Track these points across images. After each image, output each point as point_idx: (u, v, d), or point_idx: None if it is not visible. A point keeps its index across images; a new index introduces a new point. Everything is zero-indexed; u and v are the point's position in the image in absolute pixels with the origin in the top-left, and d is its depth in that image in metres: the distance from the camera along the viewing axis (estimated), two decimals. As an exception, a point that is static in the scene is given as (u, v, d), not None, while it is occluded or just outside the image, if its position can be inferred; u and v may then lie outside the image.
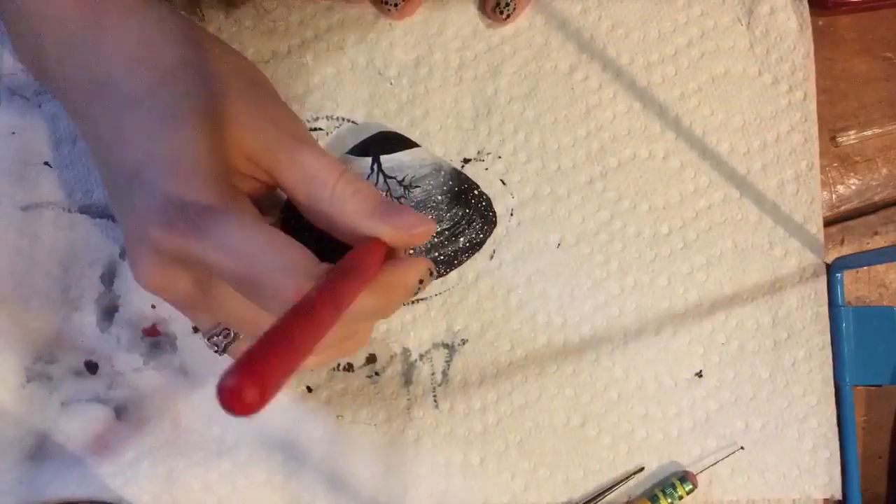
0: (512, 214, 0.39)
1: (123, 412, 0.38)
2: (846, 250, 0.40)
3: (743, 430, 0.38)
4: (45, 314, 0.38)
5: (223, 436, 0.37)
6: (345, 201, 0.29)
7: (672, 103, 0.40)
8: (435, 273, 0.36)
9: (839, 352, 0.38)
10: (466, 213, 0.39)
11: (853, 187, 0.41)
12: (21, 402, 0.37)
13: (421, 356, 0.38)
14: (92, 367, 0.38)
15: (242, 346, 0.31)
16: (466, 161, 0.39)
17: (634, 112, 0.40)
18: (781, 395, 0.38)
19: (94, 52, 0.30)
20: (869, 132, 0.41)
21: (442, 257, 0.38)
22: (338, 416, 0.38)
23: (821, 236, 0.39)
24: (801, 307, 0.39)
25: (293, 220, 0.38)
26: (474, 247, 0.39)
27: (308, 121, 0.39)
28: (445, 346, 0.38)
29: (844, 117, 0.41)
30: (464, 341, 0.38)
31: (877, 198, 0.41)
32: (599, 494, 0.37)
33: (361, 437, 0.38)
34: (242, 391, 0.18)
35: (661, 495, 0.37)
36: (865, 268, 0.40)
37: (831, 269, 0.39)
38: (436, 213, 0.38)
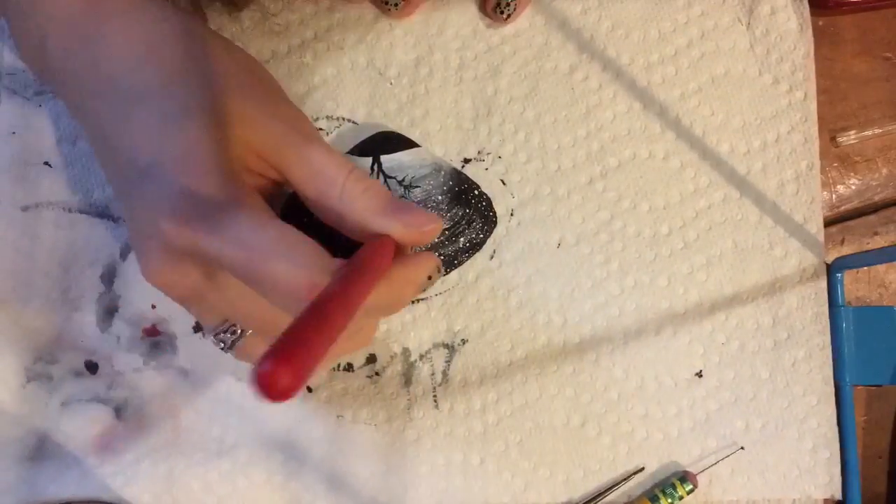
0: (512, 214, 0.39)
1: (123, 412, 0.38)
2: (846, 250, 0.40)
3: (743, 430, 0.38)
4: (45, 314, 0.38)
5: (223, 436, 0.37)
6: (355, 199, 0.29)
7: (672, 103, 0.40)
8: (443, 270, 0.37)
9: (839, 352, 0.38)
10: (466, 213, 0.39)
11: (853, 187, 0.41)
12: (21, 402, 0.37)
13: (421, 356, 0.38)
14: (92, 367, 0.38)
15: (249, 342, 0.31)
16: (466, 161, 0.39)
17: (634, 112, 0.40)
18: (781, 395, 0.38)
19: (99, 50, 0.30)
20: (869, 132, 0.41)
21: (442, 257, 0.38)
22: (338, 416, 0.38)
23: (821, 236, 0.39)
24: (801, 307, 0.39)
25: (294, 217, 0.38)
26: (474, 247, 0.39)
27: (308, 121, 0.39)
28: (445, 346, 0.38)
29: (844, 117, 0.41)
30: (464, 341, 0.38)
31: (877, 198, 0.41)
32: (599, 494, 0.37)
33: (361, 437, 0.38)
34: (278, 376, 0.18)
35: (661, 495, 0.37)
36: (865, 268, 0.40)
37: (831, 269, 0.39)
38: (436, 213, 0.38)
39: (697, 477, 0.37)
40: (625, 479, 0.38)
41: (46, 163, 0.39)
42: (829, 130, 0.41)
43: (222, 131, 0.29)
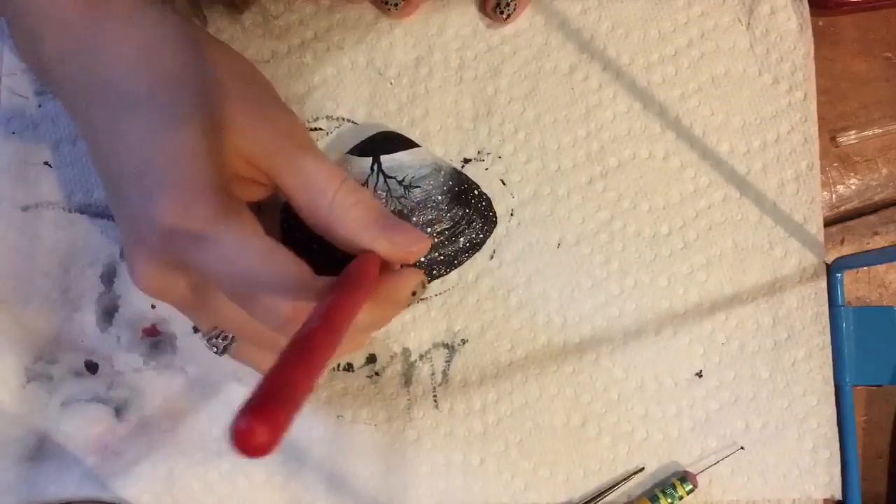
0: (512, 214, 0.39)
1: (123, 412, 0.38)
2: (846, 250, 0.40)
3: (743, 430, 0.38)
4: (45, 314, 0.38)
5: (223, 436, 0.37)
6: (344, 211, 0.29)
7: (672, 103, 0.40)
8: (427, 284, 0.36)
9: (839, 352, 0.38)
10: (466, 213, 0.39)
11: (853, 187, 0.41)
12: (21, 402, 0.37)
13: (421, 356, 0.38)
14: (92, 367, 0.38)
15: (240, 347, 0.31)
16: (466, 161, 0.39)
17: (634, 112, 0.40)
18: (781, 395, 0.38)
19: (94, 54, 0.30)
20: (869, 132, 0.41)
21: (442, 257, 0.38)
22: (338, 416, 0.38)
23: (821, 236, 0.39)
24: (801, 307, 0.39)
25: (293, 221, 0.38)
26: (474, 247, 0.39)
27: (308, 121, 0.39)
28: (445, 346, 0.38)
29: (844, 117, 0.41)
30: (464, 341, 0.38)
31: (877, 198, 0.41)
32: (599, 494, 0.37)
33: (361, 437, 0.38)
34: (255, 434, 0.18)
35: (661, 495, 0.37)
36: (865, 268, 0.40)
37: (831, 269, 0.39)
38: (436, 213, 0.38)
39: (697, 477, 0.37)
40: (625, 479, 0.38)
41: (46, 163, 0.39)
42: (829, 130, 0.41)
43: (214, 140, 0.29)
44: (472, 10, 0.40)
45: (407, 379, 0.38)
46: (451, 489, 0.37)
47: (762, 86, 0.40)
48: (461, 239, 0.39)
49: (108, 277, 0.38)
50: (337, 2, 0.40)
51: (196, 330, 0.38)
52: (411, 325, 0.38)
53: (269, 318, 0.26)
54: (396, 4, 0.38)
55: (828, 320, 0.39)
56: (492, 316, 0.39)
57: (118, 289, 0.38)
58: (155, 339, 0.38)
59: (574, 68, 0.40)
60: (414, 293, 0.30)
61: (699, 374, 0.38)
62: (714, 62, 0.40)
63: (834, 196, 0.41)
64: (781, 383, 0.38)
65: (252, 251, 0.26)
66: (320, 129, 0.39)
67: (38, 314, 0.38)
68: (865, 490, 0.38)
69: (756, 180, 0.39)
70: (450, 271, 0.39)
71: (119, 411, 0.38)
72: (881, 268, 0.40)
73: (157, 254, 0.27)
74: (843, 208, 0.41)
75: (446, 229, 0.38)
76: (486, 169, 0.39)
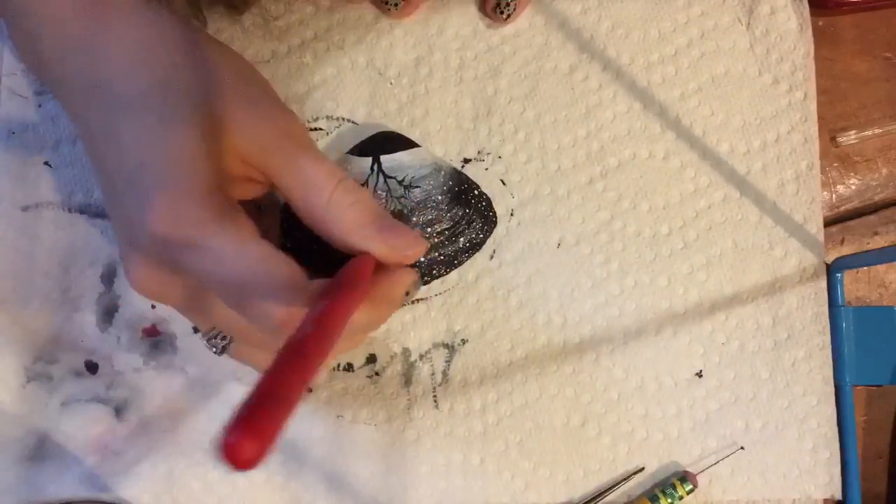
0: (512, 214, 0.39)
1: (123, 412, 0.38)
2: (846, 250, 0.40)
3: (743, 430, 0.38)
4: (45, 314, 0.38)
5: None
6: (341, 211, 0.29)
7: (672, 103, 0.40)
8: (420, 284, 0.36)
9: (839, 352, 0.38)
10: (466, 213, 0.39)
11: (853, 187, 0.41)
12: (21, 402, 0.37)
13: (421, 356, 0.38)
14: (92, 367, 0.38)
15: (238, 348, 0.31)
16: (466, 161, 0.39)
17: (634, 112, 0.40)
18: (781, 395, 0.38)
19: (91, 54, 0.29)
20: (869, 132, 0.41)
21: (442, 257, 0.38)
22: (338, 416, 0.38)
23: (821, 236, 0.39)
24: (801, 307, 0.39)
25: (293, 220, 0.38)
26: (474, 247, 0.39)
27: (308, 121, 0.39)
28: (445, 346, 0.38)
29: (844, 117, 0.41)
30: (464, 341, 0.38)
31: (877, 198, 0.41)
32: (599, 494, 0.37)
33: (361, 437, 0.38)
34: (243, 448, 0.18)
35: (661, 495, 0.37)
36: (865, 268, 0.40)
37: (831, 269, 0.39)
38: (436, 213, 0.38)
39: (697, 477, 0.37)
40: (625, 479, 0.38)
41: (46, 163, 0.39)
42: (829, 130, 0.41)
43: (210, 141, 0.29)
44: (472, 10, 0.40)
45: (407, 379, 0.38)
46: (451, 489, 0.37)
47: (762, 86, 0.40)
48: (461, 239, 0.39)
49: (108, 277, 0.38)
50: (337, 2, 0.40)
51: (196, 330, 0.38)
52: (411, 325, 0.38)
53: (263, 322, 0.26)
54: (396, 4, 0.38)
55: (828, 320, 0.39)
56: (492, 316, 0.39)
57: (118, 289, 0.38)
58: (155, 339, 0.38)
59: (574, 68, 0.40)
60: (408, 293, 0.30)
61: (699, 374, 0.38)
62: (714, 62, 0.40)
63: (834, 196, 0.41)
64: (781, 383, 0.38)
65: (246, 255, 0.26)
66: (320, 129, 0.39)
67: (38, 314, 0.38)
68: (865, 490, 0.38)
69: (756, 180, 0.39)
70: (450, 271, 0.39)
71: (119, 411, 0.38)
72: (881, 268, 0.40)
73: (151, 256, 0.27)
74: (843, 208, 0.41)
75: (446, 229, 0.38)
76: (486, 169, 0.39)
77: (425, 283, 0.38)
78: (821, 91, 0.40)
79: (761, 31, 0.40)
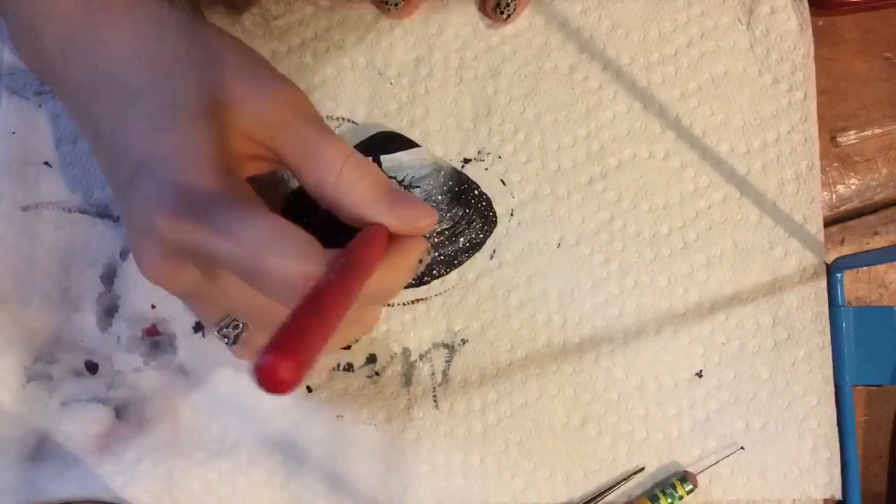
0: (512, 214, 0.39)
1: (123, 412, 0.38)
2: (846, 250, 0.40)
3: (743, 430, 0.38)
4: (45, 314, 0.38)
5: (223, 436, 0.37)
6: (351, 186, 0.29)
7: (672, 103, 0.40)
8: (432, 252, 0.36)
9: (839, 352, 0.38)
10: (466, 213, 0.39)
11: (853, 187, 0.41)
12: (21, 402, 0.37)
13: (421, 356, 0.38)
14: (92, 367, 0.38)
15: (251, 336, 0.31)
16: (466, 161, 0.39)
17: (634, 112, 0.40)
18: (781, 395, 0.38)
19: (93, 49, 0.30)
20: (869, 132, 0.41)
21: (442, 257, 0.38)
22: (338, 416, 0.38)
23: (821, 236, 0.39)
24: (801, 307, 0.39)
25: (295, 213, 0.38)
26: (474, 247, 0.39)
27: (308, 121, 0.39)
28: (445, 346, 0.38)
29: (844, 117, 0.41)
30: (464, 341, 0.38)
31: (877, 198, 0.41)
32: (599, 494, 0.37)
33: (361, 437, 0.38)
34: (278, 368, 0.18)
35: (661, 495, 0.37)
36: (865, 268, 0.40)
37: (831, 269, 0.39)
38: (435, 213, 0.38)
39: (697, 477, 0.37)
40: (625, 479, 0.38)
41: (46, 163, 0.39)
42: (829, 130, 0.41)
43: (215, 124, 0.29)
44: (472, 10, 0.40)
45: (407, 379, 0.38)
46: (451, 489, 0.37)
47: (762, 86, 0.40)
48: (461, 239, 0.39)
49: (108, 277, 0.38)
50: (337, 2, 0.40)
51: (197, 329, 0.38)
52: (411, 325, 0.38)
53: (280, 291, 0.26)
54: (396, 4, 0.38)
55: (828, 320, 0.39)
56: (492, 316, 0.39)
57: (118, 289, 0.38)
58: (155, 339, 0.38)
59: (574, 68, 0.40)
60: (420, 260, 0.30)
61: (699, 374, 0.38)
62: (714, 62, 0.40)
63: (834, 196, 0.41)
64: (781, 383, 0.38)
65: (260, 226, 0.26)
66: (320, 129, 0.39)
67: (38, 314, 0.38)
68: (865, 490, 0.38)
69: (756, 180, 0.39)
70: (450, 271, 0.39)
71: (119, 411, 0.38)
72: (881, 268, 0.40)
73: (164, 241, 0.27)
74: (843, 208, 0.41)
75: (446, 229, 0.38)
76: (486, 169, 0.39)
77: (425, 282, 0.38)
78: (821, 91, 0.40)
79: (761, 31, 0.40)
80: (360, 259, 0.26)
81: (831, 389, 0.38)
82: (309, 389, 0.38)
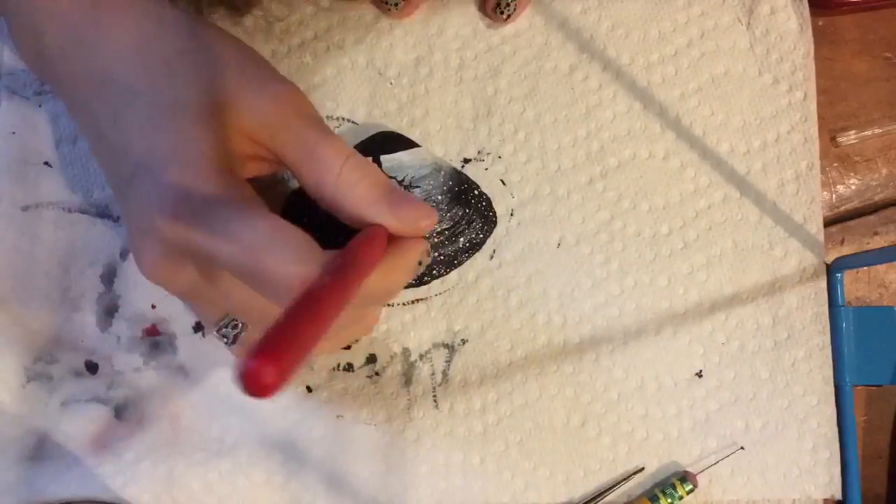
0: (512, 214, 0.39)
1: (123, 412, 0.38)
2: (846, 250, 0.40)
3: (743, 430, 0.38)
4: (45, 314, 0.38)
5: (223, 436, 0.37)
6: (350, 187, 0.29)
7: (672, 103, 0.40)
8: (432, 253, 0.36)
9: (839, 352, 0.38)
10: (466, 213, 0.39)
11: (853, 187, 0.41)
12: (21, 402, 0.37)
13: (421, 356, 0.38)
14: (92, 367, 0.38)
15: (251, 336, 0.31)
16: (466, 161, 0.39)
17: (634, 112, 0.40)
18: (781, 395, 0.38)
19: (94, 47, 0.30)
20: (869, 132, 0.41)
21: (442, 257, 0.38)
22: (338, 416, 0.38)
23: (821, 236, 0.39)
24: (801, 307, 0.39)
25: (294, 215, 0.38)
26: (474, 247, 0.39)
27: (308, 121, 0.39)
28: (445, 346, 0.38)
29: (844, 117, 0.41)
30: (464, 341, 0.38)
31: (877, 198, 0.41)
32: (599, 494, 0.37)
33: (361, 437, 0.38)
34: (262, 373, 0.18)
35: (661, 495, 0.37)
36: (865, 268, 0.40)
37: (831, 269, 0.39)
38: (435, 213, 0.38)
39: (697, 477, 0.37)
40: (625, 479, 0.38)
41: (46, 163, 0.39)
42: (829, 130, 0.41)
43: (215, 124, 0.29)
44: (472, 10, 0.40)
45: (407, 379, 0.38)
46: (451, 489, 0.37)
47: (762, 86, 0.40)
48: (461, 239, 0.39)
49: (108, 277, 0.38)
50: (337, 2, 0.40)
51: (197, 329, 0.38)
52: (411, 325, 0.38)
53: (278, 292, 0.26)
54: (396, 4, 0.38)
55: (828, 320, 0.39)
56: (492, 316, 0.39)
57: (118, 289, 0.38)
58: (155, 339, 0.38)
59: (574, 68, 0.40)
60: (420, 262, 0.30)
61: (699, 374, 0.38)
62: (714, 62, 0.40)
63: (834, 196, 0.41)
64: (781, 383, 0.38)
65: (258, 227, 0.26)
66: (320, 129, 0.39)
67: (38, 314, 0.38)
68: (865, 490, 0.38)
69: (756, 180, 0.39)
70: (450, 271, 0.39)
71: (119, 411, 0.38)
72: (881, 268, 0.40)
73: (163, 240, 0.27)
74: (843, 208, 0.41)
75: (446, 229, 0.38)
76: (486, 169, 0.39)
77: (425, 283, 0.38)
78: (821, 91, 0.40)
79: (761, 31, 0.40)
80: (358, 260, 0.26)
81: (831, 389, 0.38)
82: (309, 389, 0.38)
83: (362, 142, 0.39)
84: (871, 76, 0.41)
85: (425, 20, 0.40)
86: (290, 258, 0.25)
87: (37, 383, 0.38)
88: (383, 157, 0.38)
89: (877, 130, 0.41)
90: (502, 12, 0.39)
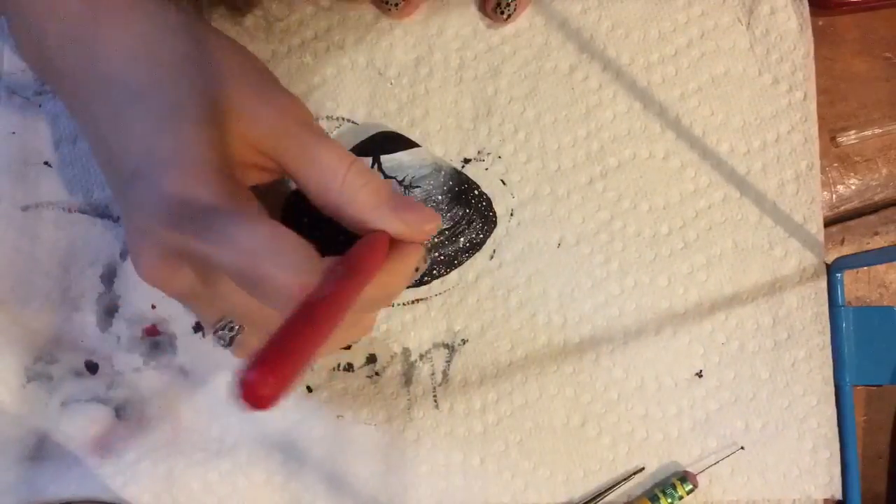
0: (512, 214, 0.39)
1: (123, 412, 0.38)
2: (846, 250, 0.40)
3: (743, 430, 0.38)
4: (45, 314, 0.38)
5: (223, 436, 0.37)
6: (355, 193, 0.29)
7: (672, 103, 0.40)
8: (429, 258, 0.36)
9: (839, 352, 0.38)
10: (466, 213, 0.39)
11: (853, 187, 0.41)
12: (21, 402, 0.37)
13: (421, 356, 0.38)
14: (92, 367, 0.38)
15: (248, 338, 0.31)
16: (466, 161, 0.39)
17: (634, 112, 0.40)
18: (781, 395, 0.38)
19: (95, 48, 0.30)
20: (869, 132, 0.41)
21: (442, 257, 0.38)
22: (338, 416, 0.38)
23: (821, 236, 0.39)
24: (801, 307, 0.39)
25: (294, 216, 0.38)
26: (474, 247, 0.39)
27: (308, 121, 0.39)
28: (445, 346, 0.38)
29: (844, 117, 0.41)
30: (464, 341, 0.38)
31: (877, 198, 0.41)
32: (599, 494, 0.37)
33: (361, 437, 0.38)
34: (259, 386, 0.18)
35: (661, 495, 0.37)
36: (865, 268, 0.40)
37: (831, 269, 0.39)
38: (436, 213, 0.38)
39: (697, 477, 0.37)
40: (625, 479, 0.38)
41: (46, 163, 0.39)
42: (829, 130, 0.41)
43: (217, 129, 0.29)
44: (472, 10, 0.40)
45: (407, 379, 0.38)
46: (451, 489, 0.37)
47: (762, 86, 0.40)
48: (461, 239, 0.39)
49: (108, 277, 0.38)
50: (337, 2, 0.40)
51: (197, 329, 0.38)
52: (411, 325, 0.38)
53: (276, 299, 0.26)
54: (396, 4, 0.38)
55: (828, 320, 0.39)
56: (492, 316, 0.39)
57: (118, 289, 0.38)
58: (155, 339, 0.38)
59: (574, 68, 0.40)
60: (417, 268, 0.30)
61: (699, 374, 0.38)
62: (714, 62, 0.40)
63: (834, 196, 0.41)
64: (781, 383, 0.38)
65: (257, 233, 0.26)
66: (320, 129, 0.39)
67: (38, 314, 0.38)
68: (865, 490, 0.38)
69: (756, 180, 0.39)
70: (450, 271, 0.39)
71: (119, 411, 0.38)
72: (881, 268, 0.40)
73: (161, 242, 0.27)
74: (843, 208, 0.41)
75: (446, 229, 0.38)
76: (486, 169, 0.39)
77: (425, 283, 0.38)
78: (821, 91, 0.40)
79: (761, 31, 0.40)
80: (360, 268, 0.25)
81: (831, 389, 0.38)
82: (309, 389, 0.38)
83: (362, 142, 0.39)
84: (871, 76, 0.41)
85: (425, 20, 0.40)
86: (290, 266, 0.25)
87: (37, 383, 0.38)
88: (383, 157, 0.38)
89: (877, 130, 0.41)
90: (502, 12, 0.39)
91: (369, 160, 0.38)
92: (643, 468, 0.38)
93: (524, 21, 0.40)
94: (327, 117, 0.39)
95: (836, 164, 0.41)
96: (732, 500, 0.38)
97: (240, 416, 0.37)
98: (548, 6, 0.40)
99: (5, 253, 0.38)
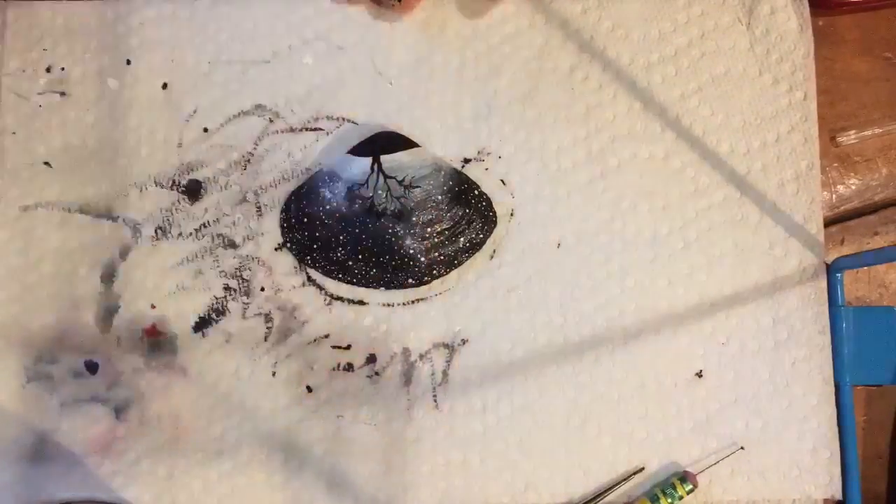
0: (512, 214, 0.39)
1: (123, 412, 0.38)
2: (846, 250, 0.40)
3: (743, 430, 0.38)
4: (45, 314, 0.38)
5: (223, 436, 0.37)
6: None
7: (672, 103, 0.40)
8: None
9: (839, 352, 0.38)
10: (466, 213, 0.39)
11: (853, 187, 0.41)
12: (21, 402, 0.37)
13: (421, 356, 0.38)
14: (92, 367, 0.38)
15: None
16: (466, 161, 0.39)
17: (634, 112, 0.40)
18: (781, 395, 0.38)
19: None
20: (869, 132, 0.41)
21: (442, 257, 0.38)
22: (338, 416, 0.38)
23: (821, 236, 0.39)
24: (801, 307, 0.39)
25: (298, 205, 0.38)
26: (474, 247, 0.39)
27: (308, 121, 0.39)
28: (445, 346, 0.38)
29: (844, 117, 0.41)
30: (464, 341, 0.38)
31: (877, 198, 0.41)
32: (599, 494, 0.37)
33: (361, 437, 0.38)
34: None
35: (661, 495, 0.37)
36: (865, 268, 0.40)
37: (831, 269, 0.39)
38: (436, 213, 0.38)
39: (697, 477, 0.37)
40: (625, 479, 0.38)
41: (46, 163, 0.39)
42: (829, 130, 0.41)
43: None
44: (473, 10, 0.40)
45: (407, 379, 0.38)
46: (451, 489, 0.37)
47: (762, 86, 0.40)
48: (461, 239, 0.39)
49: (108, 277, 0.38)
50: (337, 2, 0.40)
51: (197, 329, 0.38)
52: (411, 325, 0.38)
53: None
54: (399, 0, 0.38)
55: (828, 320, 0.39)
56: (492, 316, 0.39)
57: (118, 289, 0.38)
58: (155, 340, 0.38)
59: (574, 68, 0.40)
60: None
61: (699, 374, 0.38)
62: (714, 62, 0.40)
63: (834, 196, 0.41)
64: (781, 383, 0.38)
65: None
66: (320, 129, 0.39)
67: (38, 314, 0.38)
68: (865, 490, 0.38)
69: (756, 180, 0.39)
70: (450, 271, 0.39)
71: (119, 411, 0.38)
72: (881, 268, 0.40)
73: None
74: (843, 208, 0.41)
75: (446, 229, 0.38)
76: (486, 169, 0.39)
77: (425, 283, 0.38)
78: (821, 91, 0.40)
79: (761, 31, 0.40)
80: None
81: (831, 389, 0.38)
82: (309, 389, 0.38)
83: (362, 142, 0.39)
84: (871, 76, 0.41)
85: (425, 20, 0.40)
86: None
87: (37, 383, 0.38)
88: (383, 157, 0.38)
89: (877, 130, 0.41)
90: None
91: (369, 160, 0.38)
92: (643, 468, 0.38)
93: (524, 21, 0.40)
94: (327, 117, 0.39)
95: (836, 164, 0.41)
96: (732, 500, 0.38)
97: (240, 416, 0.37)
98: (548, 6, 0.40)
99: (5, 253, 0.38)
